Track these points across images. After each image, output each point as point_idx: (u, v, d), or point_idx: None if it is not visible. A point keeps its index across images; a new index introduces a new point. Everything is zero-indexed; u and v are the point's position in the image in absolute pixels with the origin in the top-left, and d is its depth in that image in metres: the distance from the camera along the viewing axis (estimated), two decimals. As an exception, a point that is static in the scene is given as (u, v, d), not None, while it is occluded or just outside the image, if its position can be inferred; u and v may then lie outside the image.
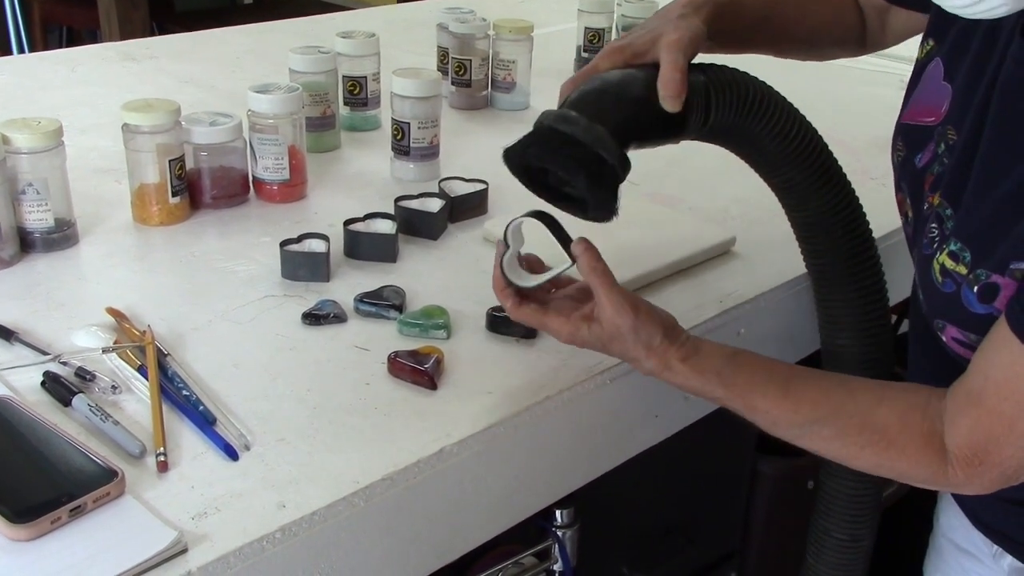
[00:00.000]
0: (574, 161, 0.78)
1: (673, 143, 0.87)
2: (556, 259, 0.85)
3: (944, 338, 0.82)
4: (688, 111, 0.83)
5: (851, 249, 0.95)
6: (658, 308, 0.84)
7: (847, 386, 0.82)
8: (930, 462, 0.76)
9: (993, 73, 0.78)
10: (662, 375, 0.83)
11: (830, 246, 0.95)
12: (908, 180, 0.88)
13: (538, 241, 0.87)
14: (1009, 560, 0.89)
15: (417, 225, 1.10)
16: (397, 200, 1.11)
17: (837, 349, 0.99)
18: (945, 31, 0.87)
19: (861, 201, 0.96)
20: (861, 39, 1.07)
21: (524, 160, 0.81)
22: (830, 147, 0.93)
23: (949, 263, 0.78)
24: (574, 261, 0.83)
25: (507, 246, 0.84)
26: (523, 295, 0.85)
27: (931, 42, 0.89)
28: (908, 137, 0.89)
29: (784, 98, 0.88)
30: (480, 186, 1.16)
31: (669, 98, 0.82)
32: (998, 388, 0.73)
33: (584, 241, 0.83)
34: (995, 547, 0.90)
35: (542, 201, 0.86)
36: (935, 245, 0.81)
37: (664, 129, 0.84)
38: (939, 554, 1.00)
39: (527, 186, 0.84)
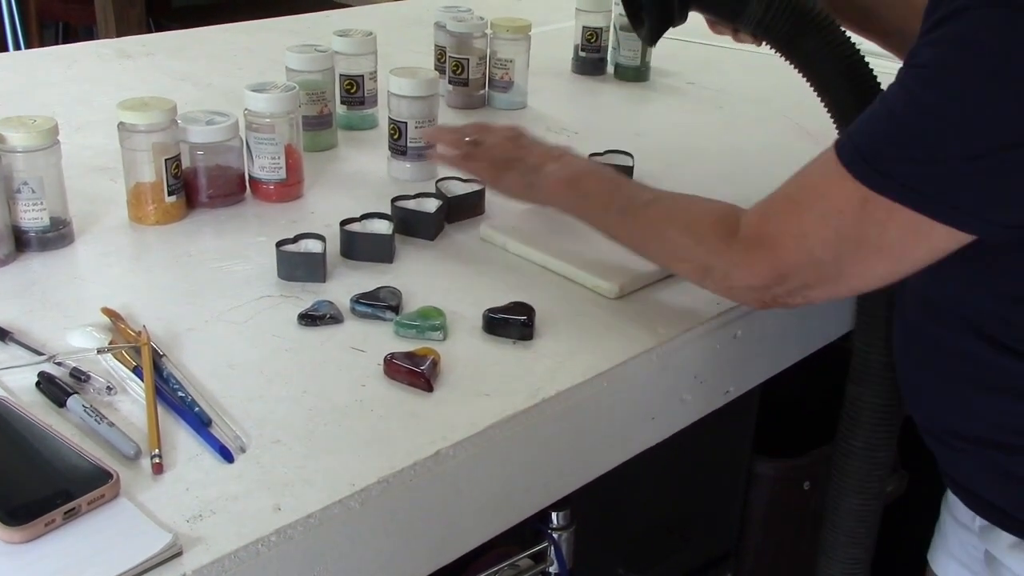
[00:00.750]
0: None
1: (739, 28, 1.01)
2: None
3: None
4: None
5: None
6: None
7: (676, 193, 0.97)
8: (721, 234, 0.85)
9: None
10: (568, 151, 1.01)
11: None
12: None
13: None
14: (1003, 535, 0.89)
15: (414, 225, 1.09)
16: (394, 200, 1.11)
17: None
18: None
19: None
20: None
21: None
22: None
23: None
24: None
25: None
26: None
27: None
28: None
29: (843, 31, 0.97)
30: (477, 186, 1.16)
31: None
32: (795, 177, 0.82)
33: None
34: (982, 520, 0.91)
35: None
36: None
37: None
38: (942, 533, 1.01)
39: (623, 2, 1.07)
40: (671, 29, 1.04)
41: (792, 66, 1.00)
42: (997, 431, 0.85)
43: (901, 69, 0.75)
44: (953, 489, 0.94)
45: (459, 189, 1.16)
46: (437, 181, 1.17)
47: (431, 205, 1.11)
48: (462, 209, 1.15)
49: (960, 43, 0.71)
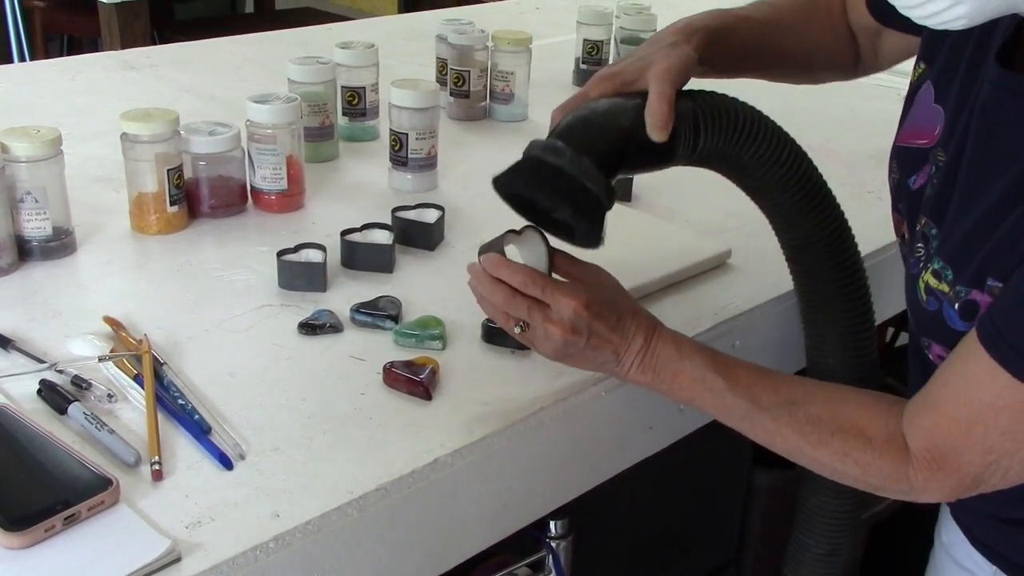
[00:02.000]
0: (560, 192, 0.80)
1: (661, 169, 0.88)
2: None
3: (930, 356, 0.82)
4: (675, 139, 0.83)
5: (838, 271, 0.95)
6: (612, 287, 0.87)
7: (818, 382, 0.85)
8: (894, 458, 0.77)
9: (975, 96, 0.79)
10: (652, 337, 0.83)
11: (817, 267, 0.95)
12: (904, 202, 0.89)
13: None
14: None
15: (414, 236, 1.10)
16: (394, 211, 1.12)
17: (824, 368, 0.99)
18: (935, 54, 0.88)
19: (857, 214, 0.96)
20: (854, 63, 1.08)
21: (512, 189, 0.83)
22: (826, 160, 0.93)
23: (932, 281, 0.79)
24: (552, 272, 0.85)
25: (500, 242, 0.85)
26: None
27: (923, 65, 0.90)
28: (902, 159, 0.90)
29: (774, 123, 0.88)
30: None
31: (655, 128, 0.82)
32: (956, 394, 0.74)
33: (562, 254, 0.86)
34: (993, 567, 0.90)
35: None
36: (920, 264, 0.82)
37: (651, 157, 0.85)
38: (938, 570, 1.00)
39: (516, 211, 0.85)
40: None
41: (728, 180, 0.93)
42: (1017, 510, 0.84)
43: None
44: (971, 540, 0.92)
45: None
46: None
47: (431, 215, 1.12)
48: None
49: None
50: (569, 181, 0.80)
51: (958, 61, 0.83)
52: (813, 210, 0.92)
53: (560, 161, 0.81)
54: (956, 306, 0.77)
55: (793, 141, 0.89)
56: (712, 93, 0.87)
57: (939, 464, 0.75)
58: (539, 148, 0.82)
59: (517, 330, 0.83)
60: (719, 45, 0.92)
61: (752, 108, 0.88)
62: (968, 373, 0.73)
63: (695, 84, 0.88)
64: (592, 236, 0.83)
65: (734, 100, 0.87)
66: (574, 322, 0.81)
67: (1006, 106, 0.76)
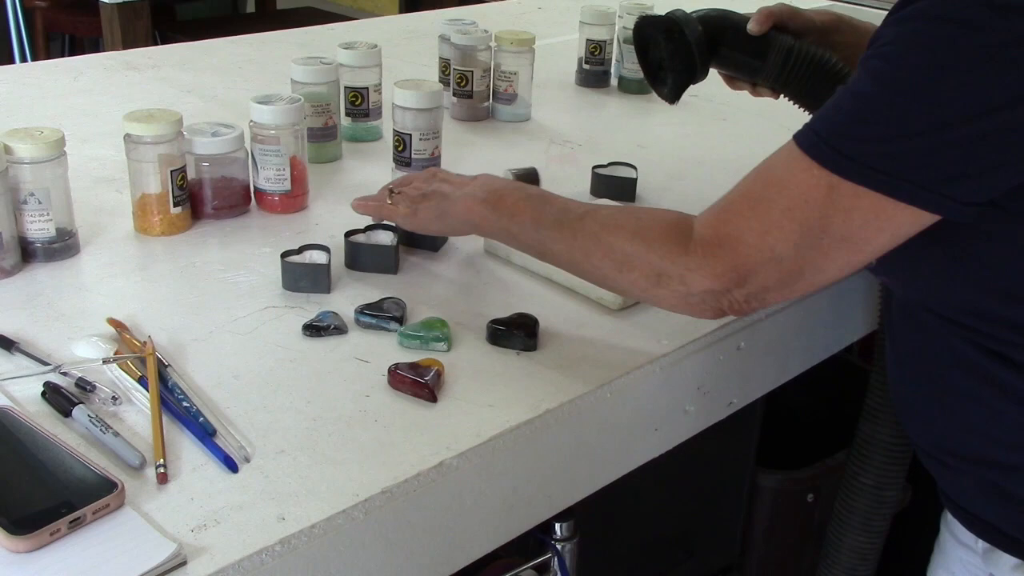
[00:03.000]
0: (664, 27, 1.05)
1: (758, 81, 1.07)
2: None
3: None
4: (768, 51, 1.03)
5: None
6: None
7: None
8: (674, 239, 0.82)
9: None
10: (472, 192, 0.96)
11: None
12: None
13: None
14: (1005, 558, 0.89)
15: (418, 237, 1.10)
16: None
17: None
18: None
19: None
20: None
21: (640, 26, 1.09)
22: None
23: None
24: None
25: None
26: None
27: None
28: None
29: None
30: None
31: (753, 22, 1.03)
32: (757, 175, 0.80)
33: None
34: (980, 541, 0.90)
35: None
36: None
37: (745, 54, 1.05)
38: (942, 550, 1.00)
39: (639, 56, 1.12)
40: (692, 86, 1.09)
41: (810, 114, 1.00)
42: (991, 447, 0.85)
43: (865, 52, 0.76)
44: (952, 511, 0.93)
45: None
46: None
47: None
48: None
49: (923, 17, 0.71)
50: (673, 24, 1.05)
51: None
52: None
53: (674, 13, 1.05)
54: None
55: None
56: (819, 48, 1.02)
57: (718, 241, 0.80)
58: (676, 10, 1.06)
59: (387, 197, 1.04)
60: (850, 36, 1.08)
61: (845, 65, 1.01)
62: (772, 157, 0.80)
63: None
64: (674, 79, 1.07)
65: (832, 56, 1.02)
66: (426, 175, 1.05)
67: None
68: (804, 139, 0.76)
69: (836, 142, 0.74)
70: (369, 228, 1.07)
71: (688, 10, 1.07)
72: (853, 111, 0.74)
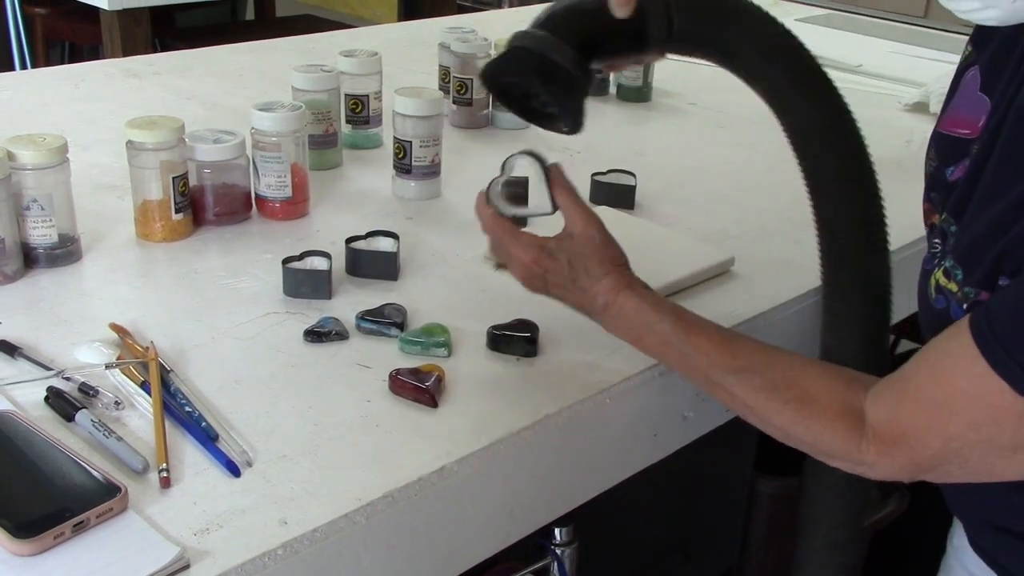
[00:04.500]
0: (529, 67, 0.85)
1: (645, 56, 0.90)
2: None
3: None
4: (645, 18, 0.84)
5: (840, 156, 0.89)
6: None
7: (784, 350, 0.84)
8: (846, 430, 0.76)
9: (1013, 95, 0.78)
10: (616, 299, 0.85)
11: (818, 151, 0.89)
12: (939, 191, 0.86)
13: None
14: None
15: (369, 268, 1.07)
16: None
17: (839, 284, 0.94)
18: (987, 41, 0.85)
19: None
20: None
21: (493, 77, 0.88)
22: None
23: (943, 280, 0.78)
24: (555, 209, 0.88)
25: (501, 173, 0.90)
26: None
27: (970, 48, 0.87)
28: (941, 147, 0.87)
29: (757, 6, 0.87)
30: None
31: (617, 5, 0.83)
32: (931, 374, 0.73)
33: (558, 166, 0.89)
34: (993, 574, 0.90)
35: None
36: (935, 260, 0.81)
37: (623, 38, 0.86)
38: (947, 574, 1.00)
39: (507, 106, 0.91)
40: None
41: (718, 66, 0.90)
42: None
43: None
44: (981, 556, 0.90)
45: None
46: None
47: None
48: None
49: None
50: (535, 57, 0.84)
51: (1009, 53, 0.81)
52: (810, 87, 0.87)
53: (524, 41, 0.85)
54: (964, 307, 0.76)
55: (776, 20, 0.87)
56: None
57: (895, 441, 0.74)
58: (511, 37, 0.87)
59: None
60: None
61: None
62: (948, 356, 0.72)
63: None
64: (570, 111, 0.86)
65: None
66: (526, 276, 0.88)
67: None
68: (989, 350, 0.68)
69: None
70: (370, 234, 1.07)
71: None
72: None
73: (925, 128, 0.98)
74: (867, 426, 0.76)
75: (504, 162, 0.90)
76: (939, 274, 0.79)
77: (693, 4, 0.86)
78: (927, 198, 0.89)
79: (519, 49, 0.85)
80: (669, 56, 0.91)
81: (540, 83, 0.85)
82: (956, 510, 0.93)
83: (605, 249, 0.87)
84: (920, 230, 0.91)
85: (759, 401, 0.80)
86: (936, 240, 0.82)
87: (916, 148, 0.91)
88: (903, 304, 1.23)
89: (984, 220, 0.75)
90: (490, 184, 0.90)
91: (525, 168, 0.90)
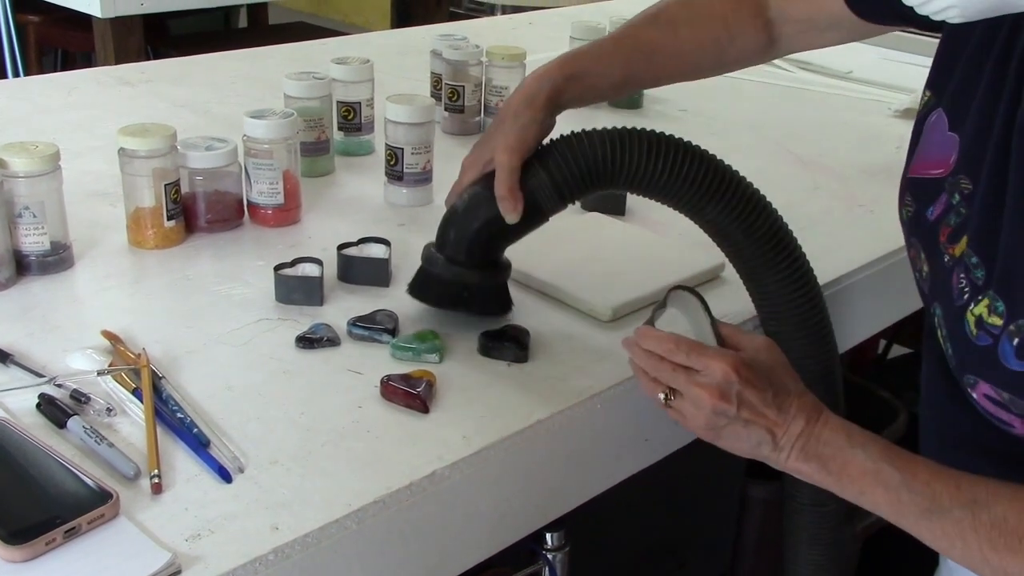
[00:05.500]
0: (447, 298, 0.96)
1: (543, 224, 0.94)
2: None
3: (975, 395, 0.78)
4: (538, 205, 0.90)
5: (758, 246, 0.92)
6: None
7: (1006, 481, 0.75)
8: None
9: (1007, 115, 0.76)
10: (820, 417, 0.78)
11: (737, 246, 0.94)
12: (920, 235, 0.86)
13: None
14: None
15: (361, 275, 1.07)
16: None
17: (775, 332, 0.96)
18: (944, 83, 0.86)
19: (849, 228, 0.97)
20: (764, 54, 1.06)
21: (416, 297, 0.98)
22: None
23: (985, 314, 0.75)
24: (720, 341, 0.85)
25: (660, 306, 0.91)
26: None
27: (928, 93, 0.88)
28: (917, 191, 0.87)
29: (638, 133, 0.90)
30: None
31: (507, 213, 0.90)
32: None
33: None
34: None
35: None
36: (966, 296, 0.78)
37: (524, 227, 0.92)
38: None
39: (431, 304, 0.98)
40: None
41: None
42: None
43: None
44: None
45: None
46: None
47: None
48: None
49: None
50: (448, 286, 0.95)
51: (975, 84, 0.81)
52: (715, 196, 0.91)
53: (437, 271, 0.95)
54: (1015, 342, 0.72)
55: (669, 139, 0.91)
56: (569, 138, 0.91)
57: None
58: (423, 258, 0.97)
59: (662, 397, 0.81)
60: (575, 91, 0.95)
61: (615, 132, 0.90)
62: None
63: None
64: (491, 311, 0.97)
65: (592, 135, 0.90)
66: (722, 387, 0.78)
67: None
68: None
69: None
70: (362, 241, 1.08)
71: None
72: None
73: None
74: None
75: (664, 297, 0.91)
76: (979, 309, 0.76)
77: (577, 174, 0.90)
78: (909, 243, 0.89)
79: (429, 276, 0.96)
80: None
81: (464, 309, 0.95)
82: None
83: (791, 370, 0.82)
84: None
85: (991, 539, 0.72)
86: (962, 276, 0.79)
87: (905, 154, 0.92)
88: (896, 308, 1.24)
89: (1021, 247, 0.73)
90: (652, 315, 0.90)
91: (683, 303, 0.90)
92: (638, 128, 0.91)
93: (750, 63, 1.08)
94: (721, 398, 0.78)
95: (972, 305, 0.77)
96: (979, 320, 0.76)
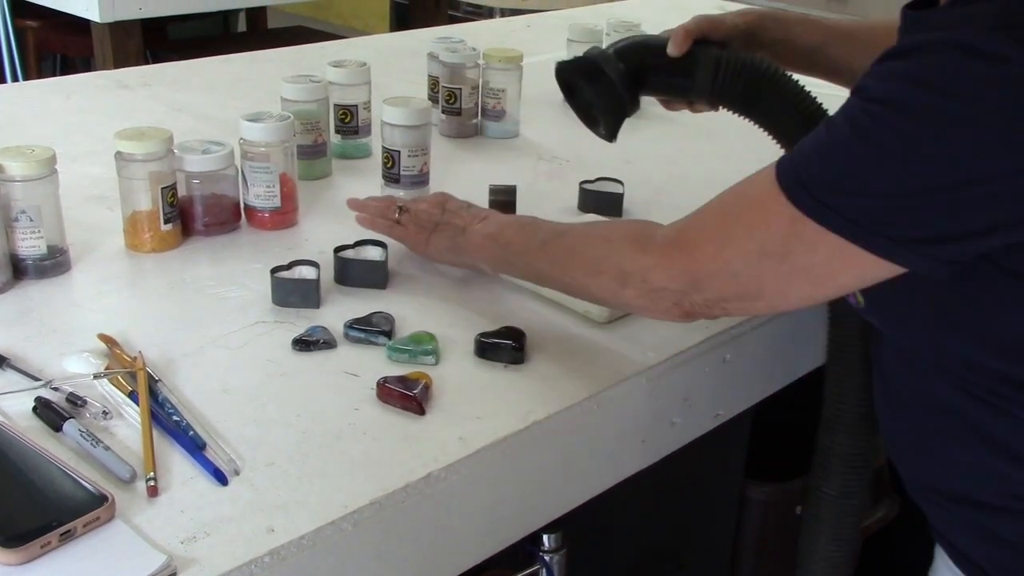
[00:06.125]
0: (584, 71, 1.04)
1: (696, 103, 1.07)
2: None
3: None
4: (695, 69, 1.00)
5: None
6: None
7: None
8: (639, 242, 0.86)
9: None
10: (482, 229, 1.00)
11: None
12: None
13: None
14: None
15: (359, 277, 1.07)
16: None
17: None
18: None
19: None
20: None
21: (559, 72, 1.07)
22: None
23: None
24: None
25: None
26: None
27: None
28: None
29: (796, 81, 0.99)
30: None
31: (672, 45, 1.01)
32: (731, 190, 0.82)
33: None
34: None
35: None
36: None
37: (672, 78, 1.03)
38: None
39: (569, 102, 1.09)
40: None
41: (754, 124, 1.02)
42: (978, 490, 0.84)
43: (850, 97, 0.75)
44: (942, 544, 0.92)
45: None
46: None
47: None
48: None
49: (912, 80, 0.70)
50: (591, 64, 1.03)
51: None
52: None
53: (589, 52, 1.04)
54: None
55: (813, 96, 0.99)
56: (747, 55, 1.00)
57: (678, 244, 0.83)
58: (592, 49, 1.06)
59: (396, 216, 1.08)
60: (774, 31, 1.07)
61: (778, 68, 0.99)
62: (748, 179, 0.80)
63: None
64: (604, 117, 1.04)
65: (764, 60, 0.99)
66: (436, 198, 1.09)
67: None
68: (783, 171, 0.76)
69: (811, 183, 0.74)
70: (358, 243, 1.08)
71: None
72: (833, 160, 0.74)
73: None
74: (656, 239, 0.85)
75: None
76: None
77: (738, 67, 0.98)
78: None
79: (584, 58, 1.04)
80: (719, 109, 1.05)
81: (587, 85, 1.03)
82: (913, 491, 0.94)
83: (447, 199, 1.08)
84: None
85: (574, 248, 0.92)
86: None
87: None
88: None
89: None
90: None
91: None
92: None
93: None
94: (434, 205, 1.08)
95: None
96: None
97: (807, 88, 0.99)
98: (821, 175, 0.74)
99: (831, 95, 0.98)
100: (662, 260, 0.83)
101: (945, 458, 0.87)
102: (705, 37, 1.02)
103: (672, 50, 1.01)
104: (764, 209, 0.77)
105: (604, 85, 1.01)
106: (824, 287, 0.78)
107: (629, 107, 1.04)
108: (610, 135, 1.05)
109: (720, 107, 1.04)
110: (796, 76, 0.99)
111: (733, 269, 0.79)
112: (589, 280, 0.90)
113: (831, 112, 0.94)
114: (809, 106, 0.98)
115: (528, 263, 0.97)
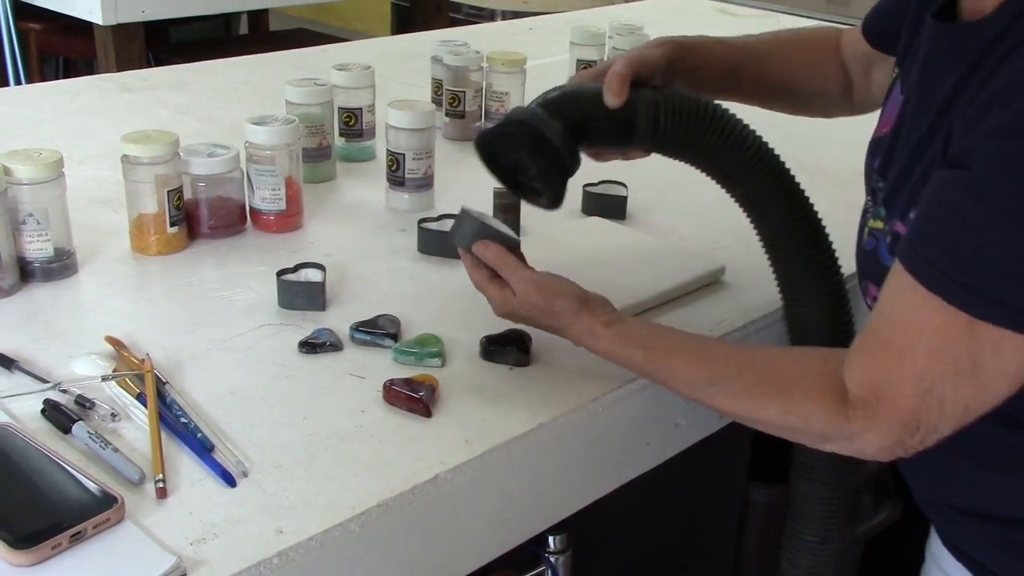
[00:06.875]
0: (519, 138, 0.90)
1: (631, 151, 0.96)
2: None
3: (867, 301, 0.87)
4: (635, 116, 0.91)
5: (814, 255, 0.97)
6: (567, 281, 0.91)
7: (754, 347, 0.88)
8: (833, 403, 0.77)
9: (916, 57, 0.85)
10: (586, 341, 0.88)
11: (793, 252, 0.98)
12: (870, 188, 0.93)
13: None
14: None
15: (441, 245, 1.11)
16: (420, 222, 1.14)
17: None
18: (903, 61, 0.92)
19: (848, 231, 0.97)
20: (847, 94, 1.14)
21: (485, 143, 0.93)
22: (818, 178, 0.96)
23: (872, 223, 0.86)
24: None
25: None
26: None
27: (896, 69, 0.94)
28: (872, 149, 0.95)
29: (738, 118, 0.94)
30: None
31: (609, 94, 0.91)
32: (885, 320, 0.76)
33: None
34: None
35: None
36: (867, 214, 0.89)
37: (613, 129, 0.93)
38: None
39: (494, 174, 0.95)
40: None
41: (694, 167, 0.97)
42: (998, 506, 0.84)
43: (958, 168, 0.71)
44: (954, 554, 0.92)
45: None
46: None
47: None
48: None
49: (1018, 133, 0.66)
50: (526, 128, 0.90)
51: (915, 45, 0.88)
52: (783, 196, 0.96)
53: (520, 114, 0.91)
54: (888, 239, 0.82)
55: (756, 133, 0.95)
56: (681, 92, 0.94)
57: (876, 400, 0.75)
58: (513, 110, 0.94)
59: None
60: (691, 60, 1.01)
61: (718, 105, 0.94)
62: (892, 295, 0.75)
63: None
64: (550, 189, 0.92)
65: (701, 98, 0.94)
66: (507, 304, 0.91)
67: (941, 56, 0.81)
68: (925, 276, 0.71)
69: (972, 283, 0.69)
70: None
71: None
72: (979, 249, 0.69)
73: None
74: (849, 395, 0.77)
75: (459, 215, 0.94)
76: (872, 222, 0.88)
77: (679, 109, 0.92)
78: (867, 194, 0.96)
79: (514, 122, 0.91)
80: (653, 154, 0.98)
81: (528, 156, 0.90)
82: (923, 502, 0.94)
83: (553, 308, 0.89)
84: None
85: (745, 405, 0.82)
86: (869, 199, 0.91)
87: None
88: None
89: (900, 163, 0.83)
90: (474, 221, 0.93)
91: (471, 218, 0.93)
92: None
93: (833, 100, 1.16)
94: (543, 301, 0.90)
95: (869, 220, 0.88)
96: (870, 230, 0.87)
97: (749, 127, 0.95)
98: (974, 269, 0.69)
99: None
100: (870, 424, 0.76)
101: (966, 479, 0.86)
102: (637, 78, 0.93)
103: (611, 100, 0.91)
104: (933, 325, 0.72)
105: (548, 154, 0.90)
106: (1019, 382, 0.74)
107: (571, 170, 0.92)
108: (556, 202, 0.93)
109: (657, 152, 0.97)
110: (725, 104, 0.95)
111: (936, 397, 0.74)
112: (780, 432, 0.83)
113: (771, 147, 0.95)
114: (752, 144, 0.94)
115: (694, 397, 0.86)
